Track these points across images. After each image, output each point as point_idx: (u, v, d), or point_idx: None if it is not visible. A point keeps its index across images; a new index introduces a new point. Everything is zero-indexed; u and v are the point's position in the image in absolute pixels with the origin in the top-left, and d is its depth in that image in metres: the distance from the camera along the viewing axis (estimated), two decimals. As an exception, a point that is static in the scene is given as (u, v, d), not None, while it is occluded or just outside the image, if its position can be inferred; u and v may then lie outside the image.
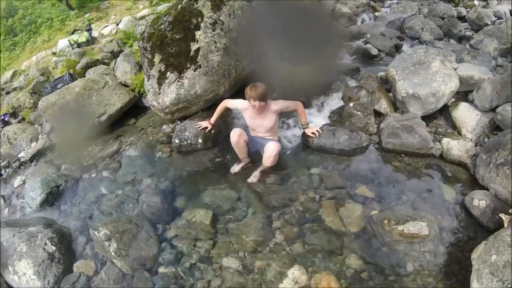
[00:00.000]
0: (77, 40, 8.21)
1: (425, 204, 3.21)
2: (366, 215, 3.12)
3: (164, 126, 4.84)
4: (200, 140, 4.24)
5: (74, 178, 4.36)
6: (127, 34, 7.58)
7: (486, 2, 8.27)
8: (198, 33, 4.39)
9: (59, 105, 5.27)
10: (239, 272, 2.86)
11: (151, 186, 3.89)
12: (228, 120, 4.63)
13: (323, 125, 4.07)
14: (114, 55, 6.91)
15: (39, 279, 3.01)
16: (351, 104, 4.26)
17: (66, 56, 7.86)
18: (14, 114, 6.65)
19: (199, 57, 4.38)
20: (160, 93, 4.57)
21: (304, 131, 4.02)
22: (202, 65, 4.38)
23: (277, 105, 3.65)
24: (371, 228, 3.02)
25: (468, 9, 7.87)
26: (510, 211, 2.76)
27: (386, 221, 2.98)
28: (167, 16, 4.66)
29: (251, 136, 3.87)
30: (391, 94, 4.53)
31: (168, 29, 4.53)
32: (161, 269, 2.99)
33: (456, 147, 3.63)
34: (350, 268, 2.74)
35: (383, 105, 4.36)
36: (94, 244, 3.24)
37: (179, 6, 4.60)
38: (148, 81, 4.75)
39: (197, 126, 4.23)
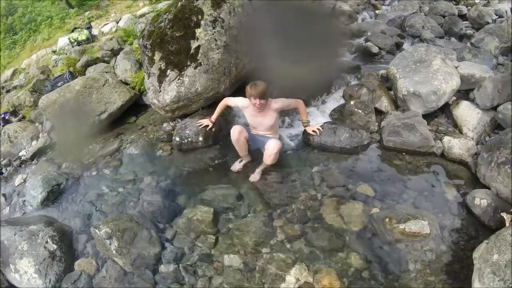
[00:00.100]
0: (77, 38, 8.20)
1: (426, 202, 3.20)
2: (367, 214, 3.12)
3: (165, 124, 4.83)
4: (200, 138, 4.23)
5: (75, 176, 4.35)
6: (127, 32, 7.57)
7: (487, 1, 8.27)
8: (198, 31, 4.38)
9: (60, 103, 5.27)
10: (240, 270, 2.85)
11: (151, 184, 3.89)
12: (228, 118, 4.62)
13: (324, 123, 4.07)
14: (114, 53, 6.89)
15: (40, 278, 3.01)
16: (352, 102, 4.26)
17: (66, 54, 7.85)
18: (14, 113, 6.65)
19: (199, 54, 4.37)
20: (160, 91, 4.56)
21: (305, 129, 4.01)
22: (202, 63, 4.37)
23: (277, 103, 3.64)
24: (372, 227, 3.02)
25: (469, 7, 7.87)
26: (511, 210, 2.76)
27: (387, 219, 2.98)
28: (167, 13, 4.64)
29: (252, 134, 3.86)
30: (392, 92, 4.53)
31: (168, 26, 4.52)
32: (162, 267, 2.99)
33: (457, 146, 3.62)
34: (351, 267, 2.74)
35: (384, 103, 4.35)
36: (95, 243, 3.23)
37: (179, 4, 4.58)
38: (148, 79, 4.74)
39: (198, 124, 4.22)
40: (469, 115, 3.90)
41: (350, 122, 4.15)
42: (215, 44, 4.40)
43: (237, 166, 3.89)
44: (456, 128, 3.98)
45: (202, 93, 4.48)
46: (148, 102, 5.29)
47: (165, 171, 4.06)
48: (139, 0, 10.83)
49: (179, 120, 4.78)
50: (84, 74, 6.39)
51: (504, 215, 2.72)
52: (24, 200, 4.12)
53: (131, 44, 7.06)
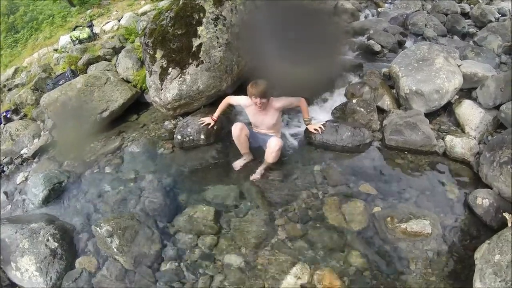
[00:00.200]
0: (79, 36, 8.19)
1: (428, 202, 3.19)
2: (369, 213, 3.11)
3: (166, 122, 4.83)
4: (202, 136, 4.23)
5: (77, 175, 4.35)
6: (129, 30, 7.55)
7: (490, -1, 8.23)
8: (200, 29, 4.37)
9: (61, 101, 5.26)
10: (241, 269, 2.85)
11: (153, 182, 3.88)
12: (230, 116, 4.62)
13: (326, 121, 4.06)
14: (116, 51, 6.88)
15: (42, 275, 3.02)
16: (354, 101, 4.24)
17: (68, 52, 7.83)
18: (16, 111, 6.64)
19: (201, 52, 4.36)
20: (162, 89, 4.56)
21: (306, 128, 4.00)
22: (204, 61, 4.37)
23: (279, 102, 3.63)
24: (374, 226, 3.01)
25: (471, 6, 7.81)
26: (514, 209, 2.75)
27: (389, 218, 2.97)
28: (168, 11, 4.64)
29: (253, 132, 3.86)
30: (394, 91, 4.51)
31: (169, 24, 4.51)
32: (163, 266, 3.00)
33: (459, 145, 3.61)
34: (352, 266, 2.73)
35: (386, 102, 4.33)
36: (96, 241, 3.24)
37: (180, 2, 4.58)
38: (150, 77, 4.74)
39: (200, 122, 4.22)
40: (471, 114, 3.88)
41: (352, 121, 4.14)
42: (217, 42, 4.39)
43: (238, 164, 3.88)
44: (459, 127, 3.96)
45: (204, 91, 4.48)
46: (150, 100, 5.28)
47: (166, 169, 4.06)
48: (140, -2, 10.83)
49: (181, 118, 4.77)
50: (86, 72, 6.38)
51: (506, 215, 2.70)
52: (26, 198, 4.13)
53: (132, 42, 7.04)
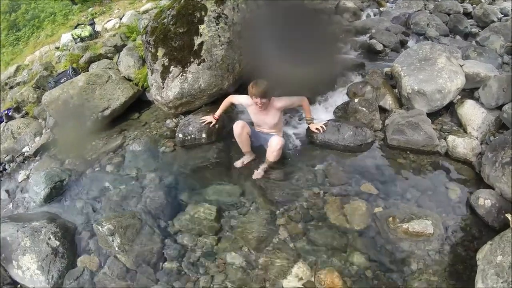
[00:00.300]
0: (80, 34, 8.18)
1: (430, 202, 3.19)
2: (371, 212, 3.11)
3: (168, 121, 4.83)
4: (204, 135, 4.22)
5: (78, 173, 4.35)
6: (131, 28, 7.54)
7: (492, -1, 8.19)
8: (201, 27, 4.37)
9: (63, 99, 5.27)
10: (242, 268, 2.85)
11: (154, 180, 3.88)
12: (232, 115, 4.61)
13: (328, 120, 4.05)
14: (118, 49, 6.87)
15: (43, 274, 3.02)
16: (356, 100, 4.23)
17: (70, 50, 7.82)
18: (17, 109, 6.64)
19: (203, 51, 4.36)
20: (163, 88, 4.56)
21: (308, 127, 4.00)
22: (206, 59, 4.36)
23: (280, 102, 3.63)
24: (375, 226, 3.01)
25: (474, 6, 7.78)
26: (516, 210, 2.74)
27: (390, 218, 2.97)
28: (170, 9, 4.63)
29: (255, 130, 3.86)
30: (396, 90, 4.50)
31: (171, 23, 4.50)
32: (165, 264, 3.00)
33: (461, 145, 3.60)
34: (354, 266, 2.73)
35: (388, 101, 4.33)
36: (98, 239, 3.24)
37: (182, 0, 4.57)
38: (151, 75, 4.74)
39: (201, 121, 4.21)
40: (473, 114, 3.87)
41: (354, 120, 4.13)
42: (219, 41, 4.38)
43: (240, 162, 3.88)
44: (461, 127, 3.95)
45: (206, 90, 4.48)
46: (151, 99, 5.28)
47: (168, 168, 4.06)
48: (142, -4, 10.81)
49: (182, 117, 4.77)
50: (87, 70, 6.37)
51: (508, 216, 2.69)
52: (27, 197, 4.13)
53: (134, 40, 7.04)
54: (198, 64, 4.38)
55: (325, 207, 3.23)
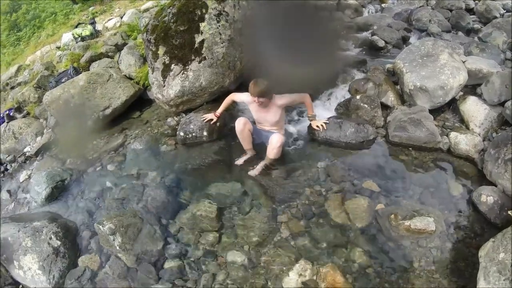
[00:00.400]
0: (81, 33, 8.17)
1: (432, 199, 3.17)
2: (373, 210, 3.09)
3: (169, 119, 4.82)
4: (205, 133, 4.21)
5: (79, 172, 4.36)
6: (131, 27, 7.53)
7: (494, -6, 8.12)
8: (202, 25, 4.35)
9: (64, 99, 5.27)
10: (244, 266, 2.85)
11: (156, 179, 3.88)
12: (233, 112, 4.60)
13: (330, 117, 4.03)
14: (118, 48, 6.86)
15: (44, 274, 3.02)
16: (358, 97, 4.21)
17: (70, 50, 7.82)
18: (19, 109, 6.65)
19: (203, 49, 4.34)
20: (164, 86, 4.55)
21: (310, 124, 3.98)
22: (207, 57, 4.35)
23: (282, 99, 3.62)
24: (377, 223, 2.99)
25: (476, 1, 7.70)
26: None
27: (392, 216, 2.95)
28: (171, 8, 4.62)
29: (257, 128, 3.86)
30: (398, 87, 4.47)
31: (172, 21, 4.49)
32: (166, 263, 3.00)
33: (463, 142, 3.57)
34: (355, 263, 2.72)
35: (390, 98, 4.30)
36: (99, 239, 3.24)
37: (183, -2, 4.56)
38: (152, 73, 4.73)
39: (202, 119, 4.20)
40: (476, 110, 3.84)
41: (356, 117, 4.11)
42: (220, 38, 4.37)
43: (241, 160, 3.88)
44: (463, 124, 3.92)
45: (207, 88, 4.47)
46: (153, 97, 5.28)
47: (169, 166, 4.05)
48: (143, -5, 10.78)
49: (184, 115, 4.76)
50: (88, 70, 6.37)
51: (511, 213, 2.68)
52: (29, 196, 4.14)
53: (135, 38, 7.03)
54: (199, 62, 4.36)
55: (327, 204, 3.21)
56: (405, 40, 6.32)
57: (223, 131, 4.33)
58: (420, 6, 7.73)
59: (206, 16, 4.36)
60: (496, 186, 3.06)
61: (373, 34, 6.37)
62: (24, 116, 6.47)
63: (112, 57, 6.72)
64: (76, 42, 8.05)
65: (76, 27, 8.59)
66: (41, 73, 6.93)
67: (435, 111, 4.07)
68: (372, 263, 2.71)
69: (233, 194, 3.49)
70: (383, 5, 8.60)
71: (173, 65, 4.46)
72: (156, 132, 4.76)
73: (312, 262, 2.76)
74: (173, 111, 4.83)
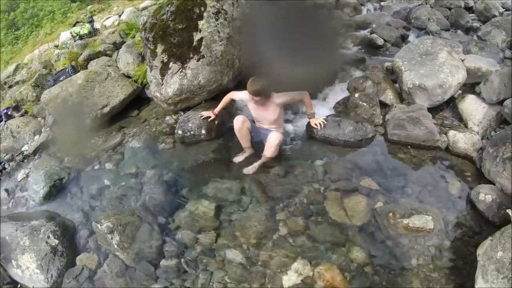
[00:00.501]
0: (79, 32, 8.14)
1: (430, 197, 3.16)
2: (371, 208, 3.09)
3: (167, 117, 4.81)
4: (203, 131, 4.20)
5: (77, 171, 4.35)
6: (130, 25, 7.51)
7: (494, -7, 8.12)
8: (201, 23, 4.34)
9: (62, 97, 5.24)
10: (242, 264, 2.84)
11: (154, 177, 3.87)
12: (232, 111, 4.58)
13: (328, 116, 4.02)
14: (117, 46, 6.84)
15: (42, 273, 3.02)
16: (356, 95, 4.20)
17: (68, 48, 7.80)
18: (17, 108, 6.63)
19: (202, 47, 4.33)
20: (163, 84, 4.54)
21: (308, 122, 3.98)
22: (205, 55, 4.34)
23: (280, 98, 3.60)
24: (375, 221, 2.99)
25: (475, 0, 7.73)
26: (517, 205, 2.72)
27: (391, 214, 2.95)
28: (169, 6, 4.60)
29: (256, 126, 3.85)
30: (397, 85, 4.47)
31: (170, 19, 4.48)
32: (164, 262, 2.99)
33: (462, 140, 3.57)
34: (354, 261, 2.72)
35: (389, 96, 4.30)
36: (97, 237, 3.23)
37: (181, -4, 4.54)
38: (150, 72, 4.72)
39: (200, 116, 4.20)
40: (474, 109, 3.84)
41: (355, 115, 4.10)
42: (218, 36, 4.36)
43: (239, 158, 3.87)
44: (462, 122, 3.92)
45: (205, 86, 4.46)
46: (151, 95, 5.26)
47: (167, 165, 4.04)
48: (142, -7, 10.75)
49: (182, 113, 4.75)
50: (86, 68, 6.35)
51: (509, 211, 2.67)
52: (27, 195, 4.13)
53: (133, 37, 7.01)
54: (198, 60, 4.35)
55: (325, 202, 3.21)
56: (404, 39, 6.31)
57: (222, 129, 4.32)
58: (419, 5, 7.72)
59: (205, 14, 4.35)
60: (494, 184, 3.06)
61: (372, 32, 6.36)
62: (22, 115, 6.45)
63: (110, 56, 6.70)
64: (74, 41, 8.03)
65: (74, 25, 8.55)
66: (39, 71, 6.90)
67: (434, 110, 4.07)
68: (370, 261, 2.70)
69: (231, 192, 3.49)
70: (382, 3, 8.58)
71: (171, 63, 4.45)
72: (154, 131, 4.75)
73: (310, 260, 2.76)
74: (171, 109, 4.82)
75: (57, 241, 3.19)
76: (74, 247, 3.29)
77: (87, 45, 7.44)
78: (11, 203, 4.34)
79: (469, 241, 2.76)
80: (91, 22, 8.70)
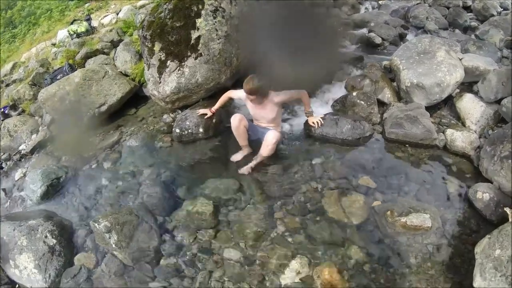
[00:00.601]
0: (76, 30, 8.12)
1: (428, 195, 3.16)
2: (369, 206, 3.09)
3: (165, 116, 4.80)
4: (201, 130, 4.20)
5: (75, 170, 4.33)
6: (127, 23, 7.49)
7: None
8: (198, 21, 4.33)
9: (59, 96, 5.23)
10: (240, 263, 2.84)
11: (151, 176, 3.86)
12: (229, 109, 4.58)
13: (326, 114, 4.03)
14: (114, 44, 6.83)
15: (40, 273, 3.01)
16: (354, 93, 4.20)
17: (66, 46, 7.78)
18: (14, 107, 6.61)
19: (199, 45, 4.33)
20: (160, 82, 4.53)
21: (306, 120, 3.97)
22: (203, 53, 4.33)
23: (278, 96, 3.60)
24: (373, 220, 2.99)
25: (473, -1, 7.75)
26: (514, 204, 2.72)
27: (389, 212, 2.95)
28: (167, 4, 4.59)
29: (253, 125, 3.84)
30: (395, 84, 4.47)
31: (168, 17, 4.47)
32: (162, 261, 2.98)
33: (460, 139, 3.57)
34: (352, 260, 2.71)
35: (386, 95, 4.30)
36: (95, 236, 3.22)
37: (179, -6, 4.53)
38: (148, 70, 4.71)
39: (197, 113, 4.19)
40: (472, 108, 3.84)
41: (352, 114, 4.11)
42: (216, 34, 4.35)
43: (237, 156, 3.86)
44: (459, 121, 3.92)
45: (203, 84, 4.45)
46: (148, 94, 5.25)
47: (165, 163, 4.04)
48: (139, -9, 10.72)
49: (180, 112, 4.75)
50: (84, 66, 6.34)
51: (507, 210, 2.67)
52: (24, 195, 4.11)
53: (131, 35, 6.99)
54: (195, 58, 4.34)
55: (323, 200, 3.20)
56: (402, 37, 6.33)
57: (219, 128, 4.31)
58: (417, 4, 7.75)
59: (203, 12, 4.34)
60: (492, 183, 3.06)
61: (370, 31, 6.37)
62: (19, 114, 6.44)
63: (107, 54, 6.69)
64: (72, 39, 8.00)
65: (72, 23, 8.53)
66: (36, 70, 6.89)
67: (432, 108, 4.07)
68: (369, 259, 2.70)
69: (229, 191, 3.48)
70: (380, 2, 8.60)
71: (169, 61, 4.44)
72: (151, 129, 4.74)
73: (308, 258, 2.76)
74: (169, 107, 4.82)
75: (54, 241, 3.18)
76: (71, 246, 3.28)
77: (85, 43, 7.42)
78: (8, 202, 4.32)
79: (467, 239, 2.76)
80: (88, 20, 8.69)
